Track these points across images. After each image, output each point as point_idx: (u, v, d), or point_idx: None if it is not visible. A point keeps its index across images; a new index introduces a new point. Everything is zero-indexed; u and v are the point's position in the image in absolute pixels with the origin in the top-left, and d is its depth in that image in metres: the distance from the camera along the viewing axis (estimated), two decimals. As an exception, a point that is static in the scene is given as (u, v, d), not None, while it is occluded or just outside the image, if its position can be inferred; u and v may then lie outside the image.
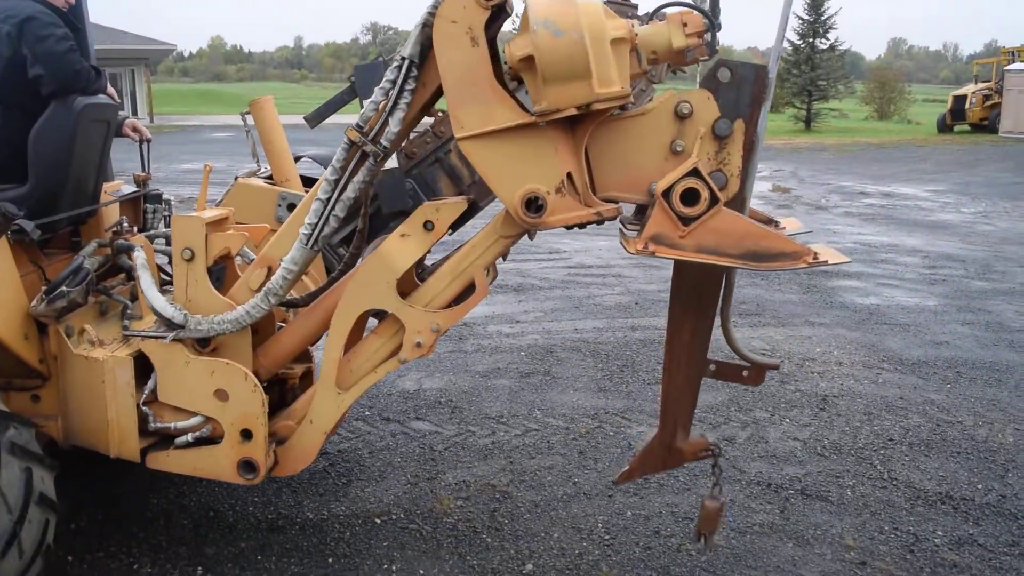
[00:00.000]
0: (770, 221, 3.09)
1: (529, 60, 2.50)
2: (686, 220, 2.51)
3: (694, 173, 2.53)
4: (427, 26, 2.66)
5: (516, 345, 6.59)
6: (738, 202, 2.67)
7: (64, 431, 3.28)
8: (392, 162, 4.25)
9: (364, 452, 4.63)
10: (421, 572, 3.48)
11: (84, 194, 3.60)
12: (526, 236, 2.97)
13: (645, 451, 3.14)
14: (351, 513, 3.95)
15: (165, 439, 3.22)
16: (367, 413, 5.19)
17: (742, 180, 2.65)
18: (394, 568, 3.51)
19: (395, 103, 2.76)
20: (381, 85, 2.80)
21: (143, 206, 3.97)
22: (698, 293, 2.89)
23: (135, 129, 3.96)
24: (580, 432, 4.94)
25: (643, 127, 2.70)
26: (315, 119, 3.99)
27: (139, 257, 3.25)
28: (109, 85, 3.69)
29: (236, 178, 4.04)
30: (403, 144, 4.22)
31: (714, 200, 2.51)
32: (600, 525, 3.89)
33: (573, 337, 6.80)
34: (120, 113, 3.88)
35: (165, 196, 4.07)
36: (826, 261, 2.52)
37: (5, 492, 2.78)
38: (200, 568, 3.47)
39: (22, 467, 2.88)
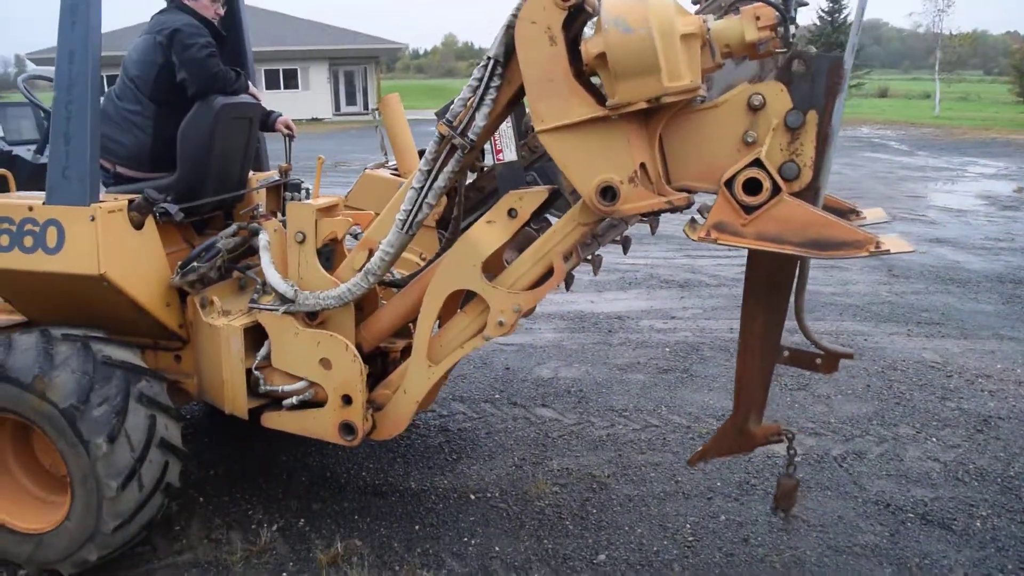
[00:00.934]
0: (852, 211, 3.03)
1: (602, 57, 2.60)
2: (748, 209, 2.54)
3: (756, 163, 2.56)
4: (510, 27, 2.81)
5: (664, 341, 6.52)
6: (812, 192, 2.68)
7: (198, 388, 3.76)
8: (512, 155, 4.46)
9: (482, 432, 4.84)
10: (496, 549, 3.62)
11: (229, 182, 4.07)
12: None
13: (719, 433, 3.21)
14: (450, 487, 4.16)
15: (276, 401, 3.61)
16: (496, 396, 5.40)
17: (815, 170, 2.63)
18: (472, 542, 3.67)
19: (481, 99, 2.94)
20: (469, 83, 2.99)
21: (283, 194, 4.40)
22: (771, 283, 2.91)
23: (287, 126, 4.40)
24: (700, 432, 4.84)
25: (716, 119, 2.75)
26: (443, 113, 4.24)
27: (263, 238, 3.64)
28: (252, 86, 4.13)
29: (365, 169, 4.37)
30: (526, 139, 4.42)
31: (776, 190, 2.53)
32: (688, 526, 3.83)
33: (725, 336, 6.60)
34: (273, 113, 4.34)
35: (305, 185, 4.49)
36: (888, 250, 2.45)
37: (130, 434, 3.25)
38: (303, 520, 3.83)
39: (148, 414, 3.34)
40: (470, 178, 4.37)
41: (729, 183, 2.57)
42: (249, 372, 3.54)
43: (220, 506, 3.96)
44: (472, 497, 4.07)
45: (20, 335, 3.37)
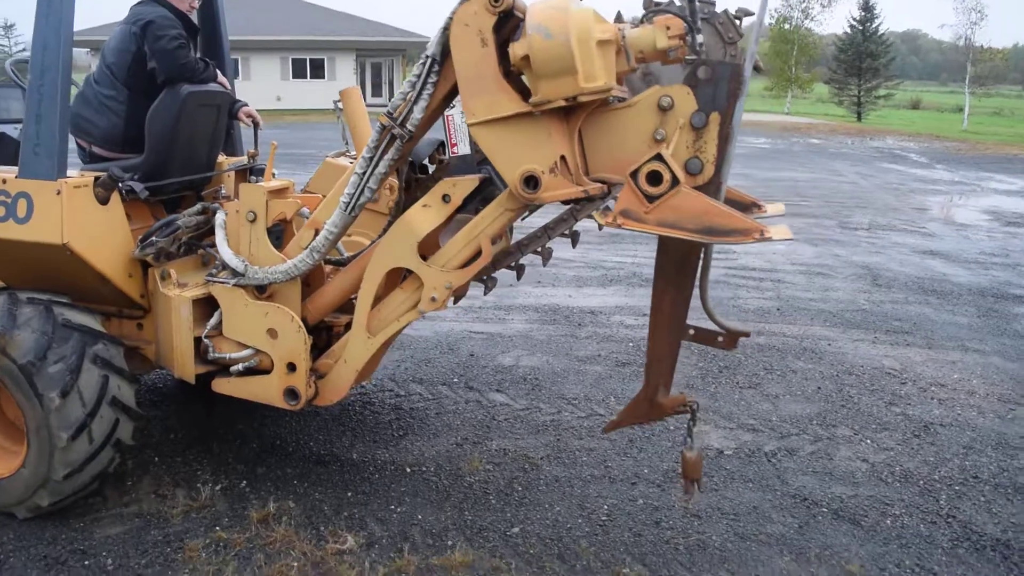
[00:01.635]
0: (754, 204, 3.29)
1: (526, 59, 2.90)
2: (651, 198, 2.83)
3: (658, 157, 2.82)
4: (446, 29, 3.08)
5: (630, 336, 6.73)
6: (714, 186, 3.04)
7: (156, 354, 4.05)
8: (466, 149, 4.70)
9: (432, 413, 5.09)
10: (419, 517, 3.87)
11: (195, 164, 4.35)
12: None
13: (631, 404, 3.56)
14: (389, 460, 4.42)
15: (224, 368, 3.88)
16: (455, 380, 5.65)
17: (717, 166, 2.97)
18: (398, 510, 3.93)
19: (419, 94, 3.21)
20: (408, 79, 3.26)
21: (248, 178, 4.68)
22: (678, 267, 3.24)
23: (248, 115, 4.67)
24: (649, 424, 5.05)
25: (630, 118, 3.06)
26: None
27: (219, 217, 3.92)
28: (220, 75, 4.41)
29: (326, 158, 4.64)
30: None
31: (675, 181, 2.80)
32: (606, 507, 4.05)
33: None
34: (238, 102, 4.62)
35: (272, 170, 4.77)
36: (770, 237, 2.74)
37: (82, 391, 3.54)
38: (245, 482, 4.11)
39: (101, 374, 3.63)
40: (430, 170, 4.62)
41: (634, 175, 2.85)
42: (199, 340, 3.83)
43: (172, 466, 4.25)
44: (408, 470, 4.32)
45: (-15, 297, 3.68)
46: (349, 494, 4.05)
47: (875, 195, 15.86)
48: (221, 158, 4.75)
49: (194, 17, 4.46)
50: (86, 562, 3.44)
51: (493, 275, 4.65)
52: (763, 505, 4.14)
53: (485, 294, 4.65)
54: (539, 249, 4.84)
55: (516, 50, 2.92)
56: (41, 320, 3.58)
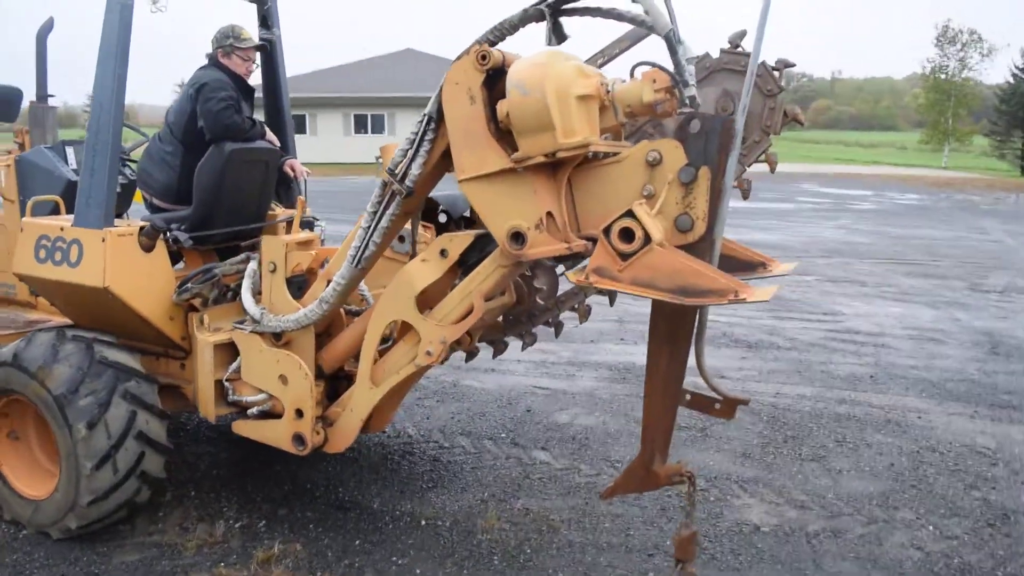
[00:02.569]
0: (761, 264, 3.13)
1: (508, 116, 2.93)
2: (624, 256, 2.76)
3: (629, 214, 2.76)
4: (441, 87, 3.17)
5: (700, 399, 6.47)
6: (707, 243, 2.91)
7: (192, 394, 4.29)
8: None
9: (468, 467, 5.09)
10: (417, 571, 3.86)
11: (242, 216, 4.62)
12: None
13: (627, 471, 3.36)
14: (408, 511, 4.44)
15: (243, 410, 4.06)
16: (502, 435, 5.63)
17: (709, 223, 2.84)
18: (399, 561, 3.93)
19: (416, 151, 3.30)
20: (407, 136, 3.37)
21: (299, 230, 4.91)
22: (672, 328, 3.10)
23: (292, 168, 4.94)
24: (680, 491, 4.84)
25: (618, 173, 3.04)
26: None
27: (250, 267, 4.15)
28: (268, 132, 4.70)
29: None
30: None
31: (647, 239, 2.73)
32: (611, 574, 3.89)
33: (765, 400, 6.46)
34: (285, 156, 4.91)
35: (318, 222, 4.99)
36: (744, 299, 2.60)
37: (109, 424, 3.80)
38: (263, 522, 4.25)
39: (129, 409, 3.88)
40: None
41: (607, 231, 2.80)
42: (220, 383, 4.03)
43: (205, 501, 4.45)
44: (423, 523, 4.32)
45: (41, 332, 4.04)
46: (357, 542, 4.10)
47: (1020, 256, 14.60)
48: (278, 210, 5.03)
49: (254, 79, 4.78)
50: (94, 586, 3.65)
51: (532, 331, 4.68)
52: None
53: (522, 349, 4.66)
54: (576, 306, 4.82)
55: (501, 107, 2.97)
56: (79, 356, 3.89)
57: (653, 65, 2.93)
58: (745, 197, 4.14)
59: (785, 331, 8.79)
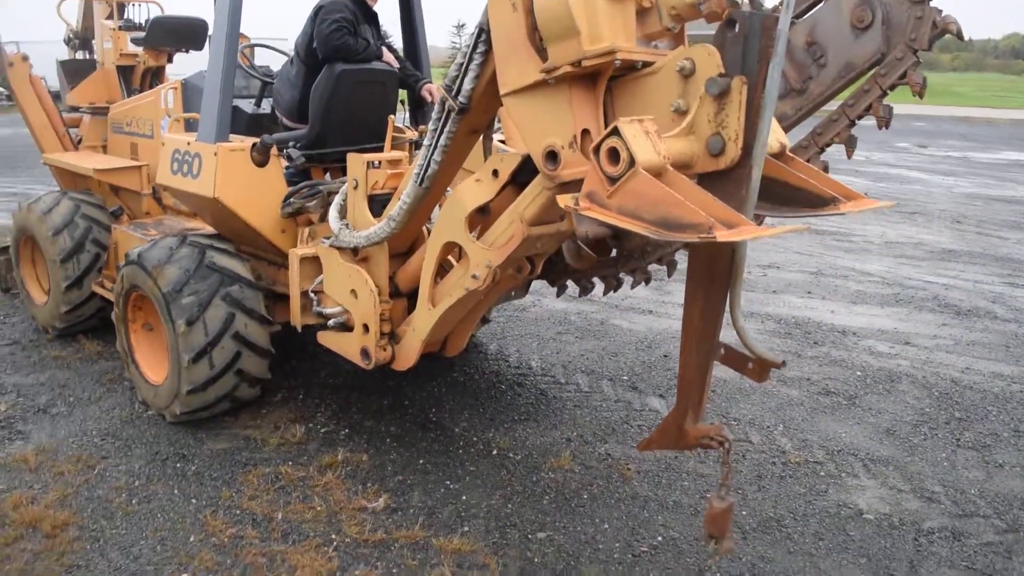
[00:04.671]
0: (832, 200, 2.67)
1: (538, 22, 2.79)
2: (612, 180, 2.46)
3: (615, 132, 2.47)
4: None
5: (866, 364, 5.73)
6: (744, 170, 2.52)
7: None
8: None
9: (571, 405, 4.94)
10: (463, 498, 3.85)
11: (358, 136, 4.73)
12: None
13: (661, 426, 3.13)
14: (486, 440, 4.42)
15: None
16: (624, 378, 5.40)
17: (745, 146, 2.46)
18: (451, 486, 3.94)
19: (468, 65, 3.19)
20: (460, 49, 3.28)
21: (415, 152, 4.95)
22: (707, 272, 2.78)
23: (428, 92, 4.95)
24: (789, 462, 4.35)
25: (653, 85, 2.81)
26: None
27: (344, 186, 4.27)
28: (388, 54, 4.74)
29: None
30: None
31: (631, 162, 2.40)
32: (658, 539, 3.61)
33: (945, 374, 5.56)
34: (422, 79, 4.95)
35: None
36: (715, 238, 2.23)
37: (207, 323, 4.16)
38: (346, 431, 4.45)
39: (228, 311, 4.21)
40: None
41: (597, 151, 2.49)
42: (306, 294, 4.23)
43: (306, 405, 4.75)
44: (494, 452, 4.29)
45: (167, 237, 4.48)
46: (421, 461, 4.17)
47: None
48: (407, 132, 5.10)
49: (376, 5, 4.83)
50: (178, 464, 4.07)
51: (646, 269, 4.40)
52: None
53: (632, 288, 4.41)
54: (634, 270, 4.39)
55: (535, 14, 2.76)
56: (190, 259, 4.27)
57: None
58: (883, 126, 3.51)
59: (1013, 300, 7.48)
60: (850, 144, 3.61)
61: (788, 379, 5.44)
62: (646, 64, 2.76)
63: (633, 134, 2.41)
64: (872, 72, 3.44)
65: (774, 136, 2.74)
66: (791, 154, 2.85)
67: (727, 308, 2.75)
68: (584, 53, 2.59)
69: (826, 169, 3.66)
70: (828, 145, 3.68)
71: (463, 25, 56.38)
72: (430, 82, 5.01)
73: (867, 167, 16.26)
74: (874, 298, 7.39)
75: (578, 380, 5.31)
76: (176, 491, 3.84)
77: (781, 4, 2.41)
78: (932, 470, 4.30)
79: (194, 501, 3.76)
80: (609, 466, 4.21)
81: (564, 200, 2.63)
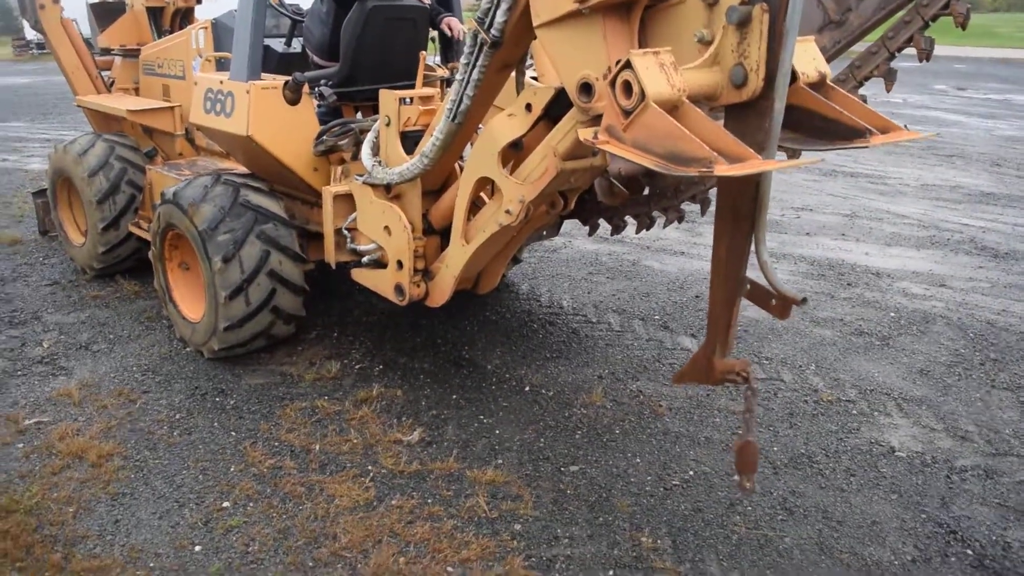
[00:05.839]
0: (864, 132, 2.61)
1: None
2: (626, 113, 2.43)
3: (627, 65, 2.43)
4: None
5: (900, 306, 5.67)
6: (766, 103, 2.47)
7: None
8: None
9: (602, 343, 4.97)
10: (496, 432, 3.90)
11: (390, 73, 4.69)
12: None
13: (692, 359, 3.12)
14: (518, 377, 4.46)
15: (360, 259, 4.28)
16: (656, 317, 5.40)
17: (768, 77, 2.41)
18: (485, 420, 4.00)
19: None
20: None
21: (447, 89, 4.90)
22: (733, 207, 2.75)
23: (448, 25, 4.87)
24: (821, 400, 4.35)
25: (681, 15, 2.75)
26: None
27: (377, 124, 4.26)
28: None
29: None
30: None
31: (643, 95, 2.36)
32: (690, 474, 3.65)
33: (981, 316, 5.48)
34: (442, 13, 4.86)
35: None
36: (712, 172, 2.20)
37: (243, 260, 4.21)
38: (381, 367, 4.52)
39: (263, 249, 4.26)
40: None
41: (613, 83, 2.46)
42: (339, 231, 4.25)
43: (341, 342, 4.82)
44: (527, 389, 4.33)
45: (203, 176, 4.51)
46: (454, 396, 4.22)
47: None
48: (438, 70, 5.05)
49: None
50: (217, 398, 4.16)
51: (679, 207, 4.37)
52: (888, 523, 3.36)
53: (664, 227, 4.38)
54: (665, 208, 4.35)
55: None
56: (224, 198, 4.31)
57: None
58: (924, 59, 3.42)
59: (1058, 243, 7.32)
60: (889, 78, 3.52)
61: (821, 320, 5.41)
62: None
63: (645, 67, 2.37)
64: (914, 3, 3.34)
65: (813, 65, 2.68)
66: (832, 84, 2.79)
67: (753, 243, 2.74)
68: None
69: (864, 102, 3.59)
70: (867, 79, 3.60)
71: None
72: (451, 15, 4.94)
73: (904, 109, 15.87)
74: (909, 240, 7.28)
75: (609, 319, 5.33)
76: (216, 424, 3.94)
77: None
78: (966, 410, 4.28)
79: (233, 433, 3.85)
80: (641, 403, 4.24)
81: (585, 133, 2.60)
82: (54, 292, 5.64)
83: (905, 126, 2.78)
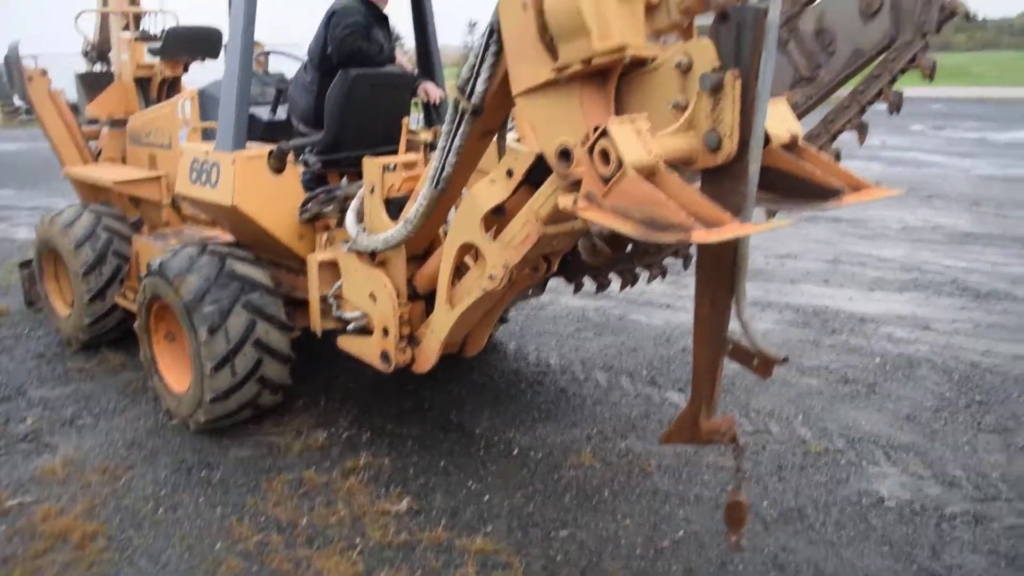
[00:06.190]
0: (837, 192, 2.68)
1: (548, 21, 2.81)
2: (605, 180, 2.47)
3: (605, 133, 2.48)
4: None
5: (885, 351, 5.71)
6: (741, 166, 2.52)
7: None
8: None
9: (591, 401, 4.97)
10: (485, 498, 3.88)
11: (372, 140, 4.76)
12: None
13: (678, 419, 3.13)
14: (507, 439, 4.45)
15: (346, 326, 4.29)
16: (644, 372, 5.41)
17: (741, 141, 2.47)
18: (473, 487, 3.97)
19: (480, 66, 3.20)
20: (472, 50, 3.29)
21: (430, 154, 4.98)
22: (713, 267, 2.81)
23: (425, 91, 4.97)
24: (811, 451, 4.35)
25: (656, 82, 2.80)
26: None
27: (361, 190, 4.31)
28: (402, 57, 4.77)
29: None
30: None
31: (619, 163, 2.41)
32: (680, 534, 3.63)
33: (966, 358, 5.53)
34: (418, 79, 4.96)
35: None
36: (691, 240, 2.24)
37: (228, 330, 4.21)
38: (368, 434, 4.50)
39: (249, 318, 4.26)
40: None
41: (591, 151, 2.50)
42: (325, 299, 4.28)
43: (328, 410, 4.80)
44: (515, 452, 4.32)
45: (188, 246, 4.54)
46: (443, 463, 4.21)
47: None
48: (425, 134, 5.13)
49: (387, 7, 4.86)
50: (203, 472, 4.13)
51: (662, 263, 4.42)
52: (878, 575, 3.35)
53: (648, 283, 4.42)
54: (649, 264, 4.40)
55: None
56: (210, 268, 4.33)
57: None
58: (895, 111, 3.51)
59: (1032, 280, 7.42)
60: (862, 131, 3.61)
61: (807, 368, 5.44)
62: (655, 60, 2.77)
63: (622, 135, 2.42)
64: (882, 57, 3.44)
65: (785, 127, 2.75)
66: (803, 144, 2.86)
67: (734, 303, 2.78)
68: (594, 51, 2.59)
69: (837, 157, 3.67)
70: (840, 132, 3.68)
71: (475, 24, 56.30)
72: (428, 81, 5.03)
73: (883, 152, 16.12)
74: (892, 284, 7.35)
75: (597, 376, 5.34)
76: (202, 499, 3.90)
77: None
78: (953, 455, 4.29)
79: (220, 509, 3.82)
80: (630, 461, 4.23)
81: (565, 201, 2.65)
82: (39, 366, 5.62)
83: (877, 183, 2.85)
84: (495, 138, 3.54)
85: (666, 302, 6.92)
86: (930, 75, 3.44)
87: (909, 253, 8.42)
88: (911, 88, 3.41)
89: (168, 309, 4.55)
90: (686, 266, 4.26)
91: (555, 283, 5.85)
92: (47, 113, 6.46)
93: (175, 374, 4.67)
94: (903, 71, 3.42)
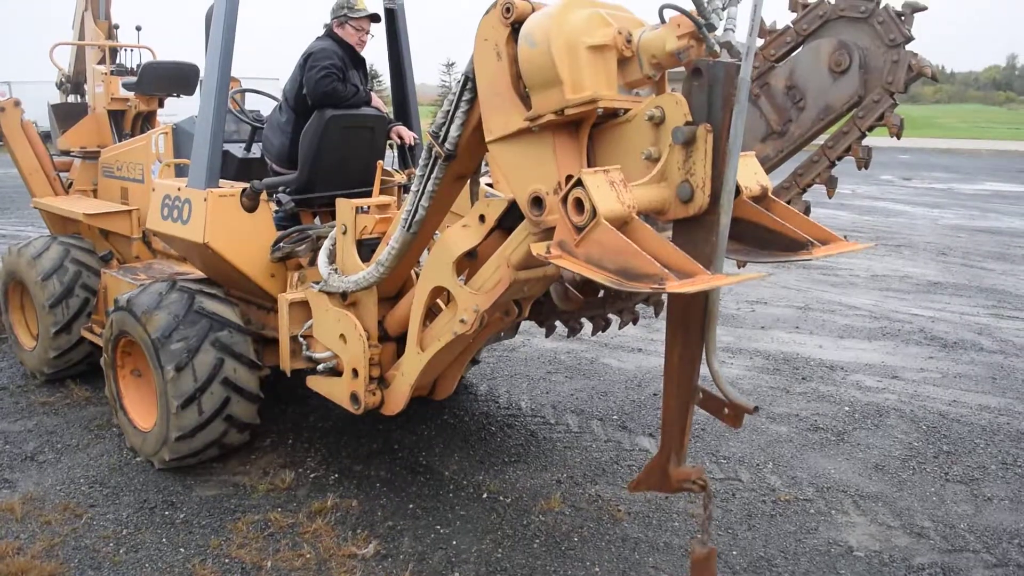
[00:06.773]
0: (806, 244, 2.72)
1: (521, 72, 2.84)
2: (578, 229, 2.48)
3: (579, 183, 2.50)
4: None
5: (854, 399, 5.76)
6: (712, 218, 2.56)
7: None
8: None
9: (561, 446, 4.95)
10: (453, 543, 3.83)
11: (346, 180, 4.78)
12: None
13: (647, 468, 3.11)
14: (476, 483, 4.41)
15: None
16: (614, 417, 5.40)
17: (713, 193, 2.51)
18: (441, 531, 3.92)
19: (454, 112, 3.23)
20: (448, 97, 3.32)
21: (403, 196, 5.00)
22: (683, 317, 2.82)
23: (398, 134, 5.00)
24: (780, 500, 4.35)
25: (628, 133, 2.84)
26: None
27: (334, 231, 4.31)
28: (377, 99, 4.81)
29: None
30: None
31: (594, 212, 2.42)
32: (652, 580, 3.61)
33: (933, 408, 5.60)
34: (391, 122, 5.00)
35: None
36: (664, 289, 2.26)
37: (196, 368, 4.16)
38: (336, 476, 4.43)
39: (217, 357, 4.21)
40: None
41: (564, 200, 2.51)
42: (295, 338, 4.24)
43: (296, 450, 4.74)
44: (484, 496, 4.28)
45: (157, 282, 4.50)
46: (411, 506, 4.15)
47: None
48: (396, 176, 5.15)
49: (366, 49, 4.91)
50: (166, 512, 4.04)
51: (633, 309, 4.44)
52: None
53: (620, 328, 4.43)
54: (620, 310, 4.43)
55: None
56: (178, 305, 4.28)
57: (678, 9, 2.61)
58: (863, 167, 3.59)
59: (999, 331, 7.55)
60: (831, 184, 3.69)
61: (777, 416, 5.46)
62: (628, 111, 2.82)
63: (596, 185, 2.44)
64: (851, 114, 3.53)
65: (755, 179, 2.81)
66: (773, 196, 2.91)
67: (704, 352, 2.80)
68: (567, 102, 2.64)
69: (807, 210, 3.74)
70: (809, 186, 3.76)
71: (453, 64, 56.86)
72: (400, 124, 5.07)
73: (852, 200, 16.43)
74: (861, 332, 7.44)
75: (568, 420, 5.32)
76: (164, 540, 3.82)
77: (743, 53, 2.48)
78: (921, 505, 4.31)
79: (182, 550, 3.73)
80: (599, 507, 4.21)
81: (538, 248, 2.66)
82: (1, 398, 5.50)
83: (844, 236, 2.90)
84: (467, 183, 3.57)
85: (638, 346, 6.95)
86: (897, 134, 3.54)
87: (878, 301, 8.54)
88: (880, 138, 3.49)
89: (135, 345, 4.48)
90: (657, 313, 4.30)
91: (527, 325, 5.89)
92: (18, 144, 6.41)
93: (141, 411, 4.59)
94: (871, 128, 3.52)
